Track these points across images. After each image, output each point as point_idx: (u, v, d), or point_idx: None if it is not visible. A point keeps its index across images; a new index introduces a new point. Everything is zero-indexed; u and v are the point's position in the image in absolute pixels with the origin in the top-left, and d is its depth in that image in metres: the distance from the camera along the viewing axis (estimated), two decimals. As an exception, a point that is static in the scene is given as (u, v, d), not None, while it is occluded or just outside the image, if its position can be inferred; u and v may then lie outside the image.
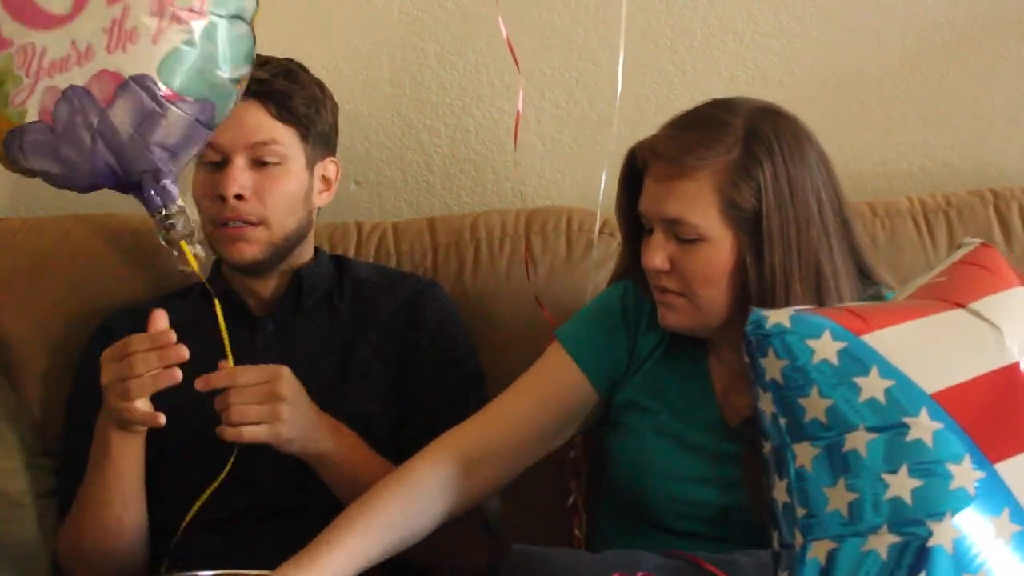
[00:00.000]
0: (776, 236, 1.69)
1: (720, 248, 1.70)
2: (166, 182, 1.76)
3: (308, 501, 1.89)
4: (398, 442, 1.96)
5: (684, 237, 1.71)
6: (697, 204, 1.69)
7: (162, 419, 1.75)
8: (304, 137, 1.97)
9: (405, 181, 2.38)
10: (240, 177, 1.91)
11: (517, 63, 1.96)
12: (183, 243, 1.77)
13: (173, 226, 1.77)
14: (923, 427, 1.39)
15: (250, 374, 1.79)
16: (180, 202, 1.77)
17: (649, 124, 2.32)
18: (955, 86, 2.32)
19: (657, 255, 1.72)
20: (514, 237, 2.20)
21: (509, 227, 2.22)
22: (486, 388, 2.02)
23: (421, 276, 2.12)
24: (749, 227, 1.70)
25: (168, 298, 2.08)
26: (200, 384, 1.78)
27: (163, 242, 1.79)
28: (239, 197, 1.91)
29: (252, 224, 1.93)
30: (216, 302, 1.84)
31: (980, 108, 2.32)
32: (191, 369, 1.78)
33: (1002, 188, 2.21)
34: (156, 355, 1.73)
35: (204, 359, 1.81)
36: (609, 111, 2.34)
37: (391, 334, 2.00)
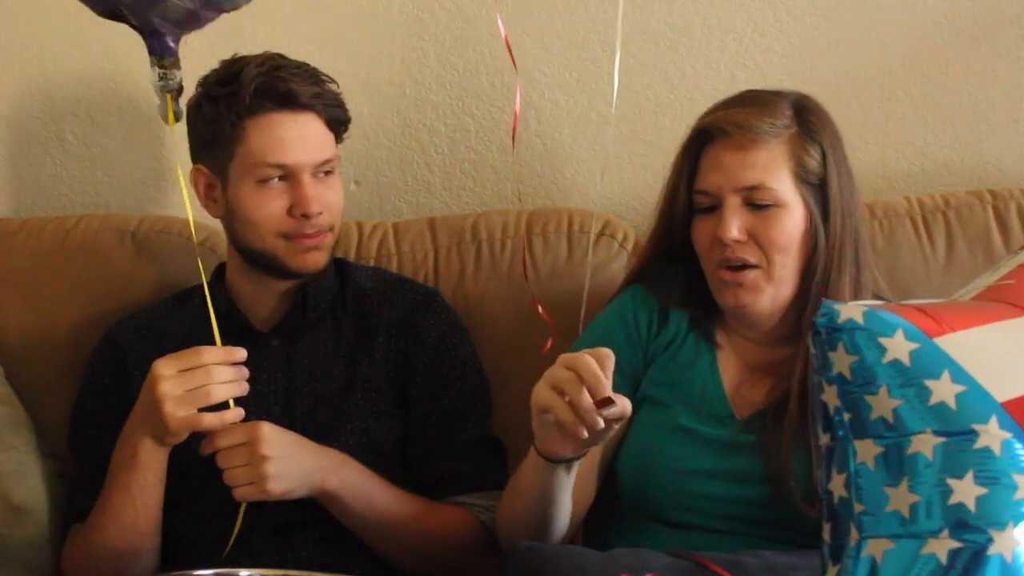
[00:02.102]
0: (837, 202, 1.80)
1: (794, 214, 1.78)
2: (167, 39, 1.80)
3: (309, 519, 1.90)
4: (404, 455, 1.97)
5: (761, 203, 1.78)
6: (775, 170, 1.78)
7: (233, 415, 1.80)
8: (338, 142, 2.00)
9: (405, 181, 2.38)
10: (320, 191, 1.93)
11: (514, 62, 1.96)
12: (168, 95, 1.81)
13: (165, 76, 1.81)
14: (992, 435, 1.37)
15: (227, 437, 1.81)
16: (176, 60, 1.82)
17: (648, 124, 2.34)
18: (955, 86, 2.32)
19: (733, 225, 1.77)
20: (515, 238, 2.20)
21: (510, 228, 2.22)
22: (490, 395, 2.03)
23: (420, 283, 2.12)
24: (815, 194, 1.79)
25: (169, 302, 2.08)
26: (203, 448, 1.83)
27: (154, 89, 1.83)
28: (319, 213, 1.93)
29: (324, 233, 1.95)
30: (213, 318, 1.86)
31: (980, 108, 2.32)
32: None
33: (1000, 189, 2.21)
34: (231, 369, 1.78)
35: None
36: (609, 111, 2.35)
37: (392, 346, 1.99)
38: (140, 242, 2.24)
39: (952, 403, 1.38)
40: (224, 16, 2.36)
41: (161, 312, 2.07)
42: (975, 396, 1.39)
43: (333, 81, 1.98)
